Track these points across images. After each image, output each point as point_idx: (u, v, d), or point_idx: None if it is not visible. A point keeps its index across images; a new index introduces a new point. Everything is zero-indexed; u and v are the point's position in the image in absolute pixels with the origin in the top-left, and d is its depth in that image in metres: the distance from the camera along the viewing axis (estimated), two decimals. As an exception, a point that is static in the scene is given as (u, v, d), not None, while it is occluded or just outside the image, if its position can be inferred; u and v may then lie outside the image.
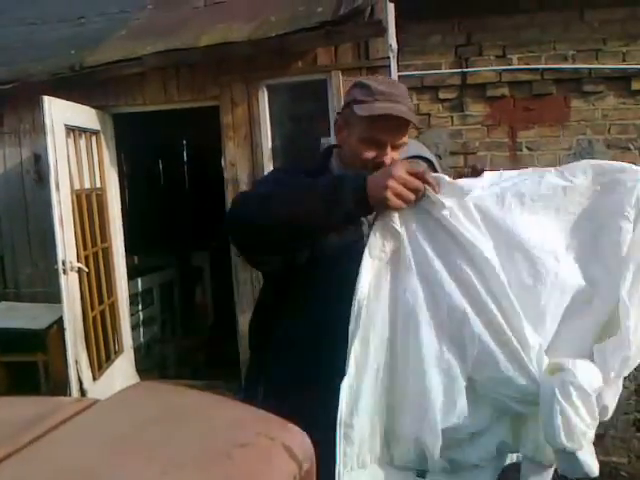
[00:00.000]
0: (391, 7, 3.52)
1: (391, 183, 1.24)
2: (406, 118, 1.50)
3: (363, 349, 1.29)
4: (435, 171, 1.62)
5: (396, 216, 1.29)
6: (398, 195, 1.25)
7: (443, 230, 1.26)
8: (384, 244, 1.30)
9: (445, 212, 1.24)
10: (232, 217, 1.52)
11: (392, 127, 1.50)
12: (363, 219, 1.51)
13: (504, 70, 3.73)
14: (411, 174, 1.26)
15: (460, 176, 3.87)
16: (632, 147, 3.66)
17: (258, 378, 1.65)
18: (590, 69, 3.64)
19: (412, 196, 1.26)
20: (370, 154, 1.52)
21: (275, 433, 0.90)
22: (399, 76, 3.70)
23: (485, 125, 3.82)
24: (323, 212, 1.32)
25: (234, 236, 1.53)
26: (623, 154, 3.66)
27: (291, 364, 1.55)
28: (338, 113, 1.67)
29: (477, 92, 3.79)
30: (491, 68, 3.75)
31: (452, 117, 3.85)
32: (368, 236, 1.33)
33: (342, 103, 1.68)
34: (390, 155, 1.52)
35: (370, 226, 1.37)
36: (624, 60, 3.61)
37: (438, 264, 1.26)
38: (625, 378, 3.96)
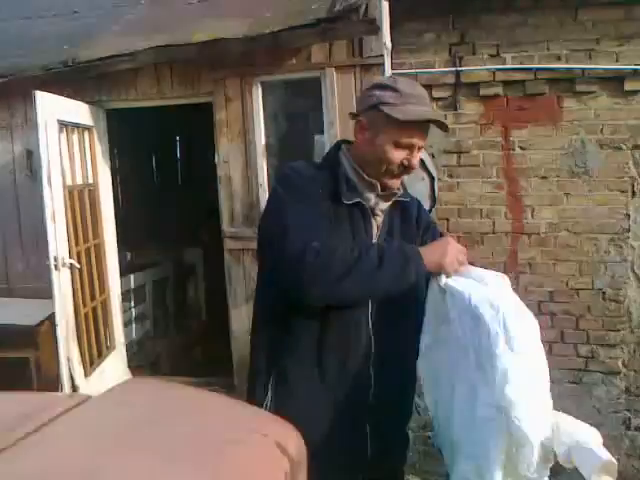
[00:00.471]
0: (385, 5, 3.52)
1: (449, 261, 1.51)
2: (442, 121, 1.57)
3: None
4: (426, 169, 1.69)
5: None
6: (453, 269, 1.52)
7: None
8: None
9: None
10: (309, 282, 1.43)
11: (424, 130, 1.57)
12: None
13: (498, 69, 3.74)
14: (459, 251, 1.55)
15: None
16: (624, 147, 3.67)
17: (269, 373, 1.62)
18: (583, 69, 3.65)
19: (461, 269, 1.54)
20: (400, 156, 1.55)
21: (267, 430, 0.91)
22: (393, 74, 3.71)
23: (478, 124, 3.83)
24: (393, 287, 1.50)
25: (310, 294, 1.46)
26: (615, 154, 3.69)
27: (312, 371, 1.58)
28: (355, 115, 1.64)
29: (471, 91, 3.80)
30: (485, 67, 3.76)
31: (445, 115, 3.85)
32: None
33: (362, 104, 1.63)
34: (417, 155, 1.58)
35: None
36: (617, 60, 3.62)
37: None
38: (616, 377, 4.00)
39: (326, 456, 1.41)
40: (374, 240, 1.62)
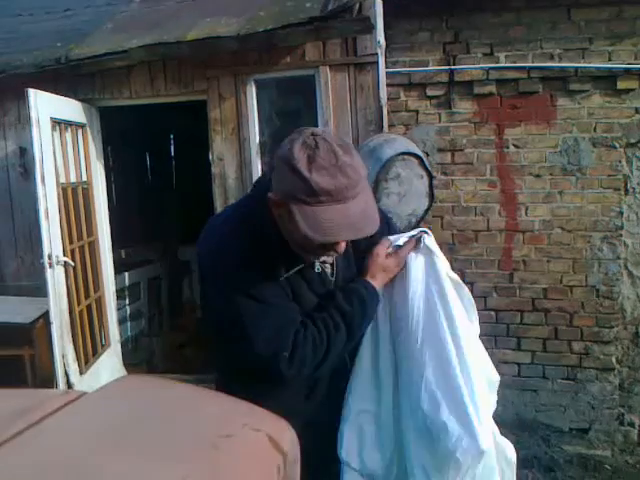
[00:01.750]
0: (379, 3, 3.53)
1: (391, 272, 1.53)
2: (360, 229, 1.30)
3: None
4: (425, 167, 1.65)
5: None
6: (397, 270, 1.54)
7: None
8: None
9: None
10: (297, 377, 1.42)
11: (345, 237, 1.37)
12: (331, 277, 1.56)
13: (491, 68, 3.75)
14: (391, 255, 1.53)
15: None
16: (617, 145, 3.70)
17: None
18: (576, 68, 3.67)
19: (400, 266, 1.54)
20: (316, 249, 1.39)
21: (260, 425, 0.91)
22: (387, 72, 3.72)
23: (472, 122, 3.84)
24: (364, 332, 1.54)
25: (292, 383, 1.45)
26: (608, 152, 3.71)
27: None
28: (271, 192, 1.36)
29: (464, 89, 3.82)
30: (478, 66, 3.77)
31: (439, 114, 3.87)
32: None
33: (275, 173, 1.38)
34: (343, 244, 1.40)
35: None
36: (610, 59, 3.64)
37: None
38: (610, 373, 4.03)
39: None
40: (331, 277, 1.53)
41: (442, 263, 1.53)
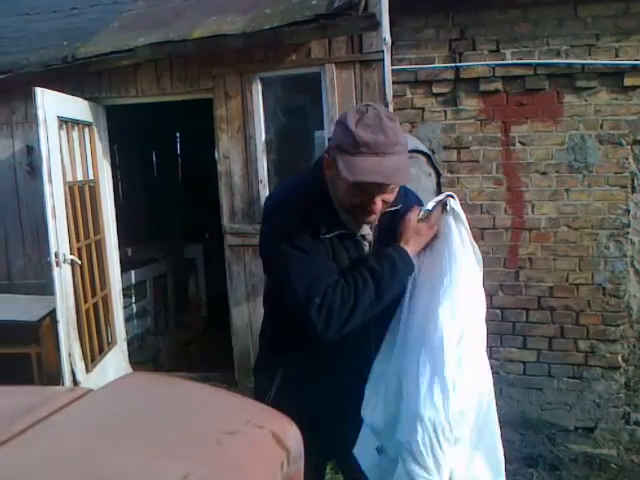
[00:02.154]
0: (385, 0, 3.52)
1: (425, 235, 1.59)
2: (394, 182, 1.47)
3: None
4: (433, 165, 1.69)
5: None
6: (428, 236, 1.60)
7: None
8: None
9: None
10: (324, 333, 1.51)
11: (377, 185, 1.47)
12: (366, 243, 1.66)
13: (497, 65, 3.74)
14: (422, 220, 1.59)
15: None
16: (624, 142, 3.68)
17: (275, 370, 1.69)
18: (583, 64, 3.66)
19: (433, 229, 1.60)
20: (357, 200, 1.51)
21: (264, 422, 0.92)
22: (393, 70, 3.71)
23: (478, 120, 3.83)
24: (393, 298, 1.58)
25: (319, 340, 1.54)
26: (615, 149, 3.69)
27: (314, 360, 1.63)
28: (326, 152, 1.58)
29: (470, 87, 3.81)
30: (484, 63, 3.76)
31: (445, 111, 3.86)
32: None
33: (333, 134, 1.56)
34: (378, 201, 1.50)
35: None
36: (617, 56, 3.63)
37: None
38: (616, 372, 4.01)
39: (320, 435, 1.48)
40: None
41: (466, 227, 1.59)
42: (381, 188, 1.48)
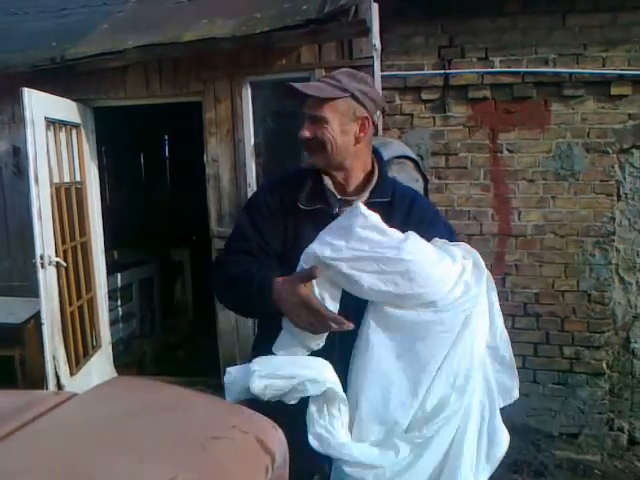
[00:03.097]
0: (375, 7, 3.54)
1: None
2: (293, 86, 1.59)
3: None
4: (420, 171, 1.69)
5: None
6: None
7: None
8: None
9: None
10: (210, 285, 1.70)
11: (299, 99, 1.61)
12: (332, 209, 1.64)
13: (486, 72, 3.77)
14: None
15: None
16: (610, 151, 3.72)
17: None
18: (570, 73, 3.69)
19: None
20: (300, 131, 1.62)
21: (249, 426, 0.91)
22: (382, 76, 3.73)
23: (467, 126, 3.86)
24: (258, 308, 1.58)
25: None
26: (601, 158, 3.73)
27: None
28: None
29: (459, 94, 3.83)
30: (473, 70, 3.79)
31: (434, 118, 3.88)
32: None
33: None
34: (305, 128, 1.61)
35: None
36: (604, 65, 3.67)
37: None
38: (600, 378, 4.02)
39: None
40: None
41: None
42: (308, 109, 1.60)
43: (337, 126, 1.58)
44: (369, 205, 1.56)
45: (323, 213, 1.60)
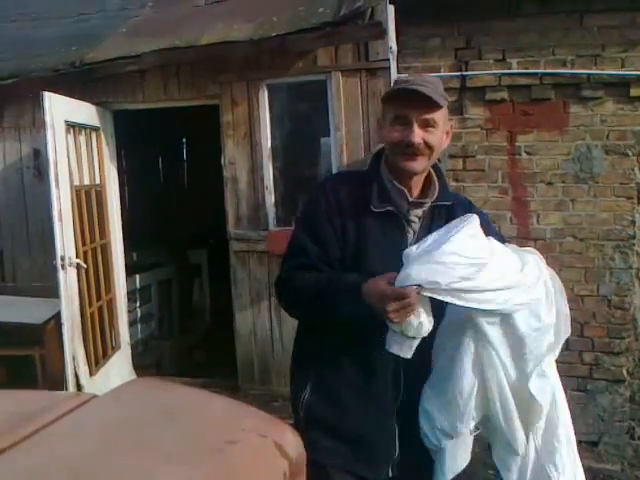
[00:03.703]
0: (391, 9, 3.54)
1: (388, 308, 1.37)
2: (419, 90, 1.50)
3: None
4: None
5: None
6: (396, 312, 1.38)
7: None
8: None
9: None
10: (278, 296, 1.71)
11: (411, 102, 1.53)
12: (409, 227, 1.63)
13: (503, 74, 3.74)
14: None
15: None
16: (630, 153, 3.67)
17: (307, 375, 1.67)
18: (589, 74, 3.65)
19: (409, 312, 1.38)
20: (397, 134, 1.55)
21: (266, 430, 0.92)
22: (398, 78, 3.71)
23: (484, 129, 3.83)
24: (331, 318, 1.54)
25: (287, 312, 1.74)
26: (621, 160, 3.68)
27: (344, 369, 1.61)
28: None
29: (476, 95, 3.80)
30: (490, 72, 3.76)
31: (451, 120, 3.86)
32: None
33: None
34: (417, 133, 1.53)
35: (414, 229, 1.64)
36: (623, 66, 3.62)
37: None
38: (620, 385, 3.94)
39: (354, 450, 1.57)
40: (409, 246, 1.50)
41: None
42: (416, 110, 1.53)
43: (441, 132, 1.60)
44: (435, 208, 1.63)
45: (393, 215, 1.61)
